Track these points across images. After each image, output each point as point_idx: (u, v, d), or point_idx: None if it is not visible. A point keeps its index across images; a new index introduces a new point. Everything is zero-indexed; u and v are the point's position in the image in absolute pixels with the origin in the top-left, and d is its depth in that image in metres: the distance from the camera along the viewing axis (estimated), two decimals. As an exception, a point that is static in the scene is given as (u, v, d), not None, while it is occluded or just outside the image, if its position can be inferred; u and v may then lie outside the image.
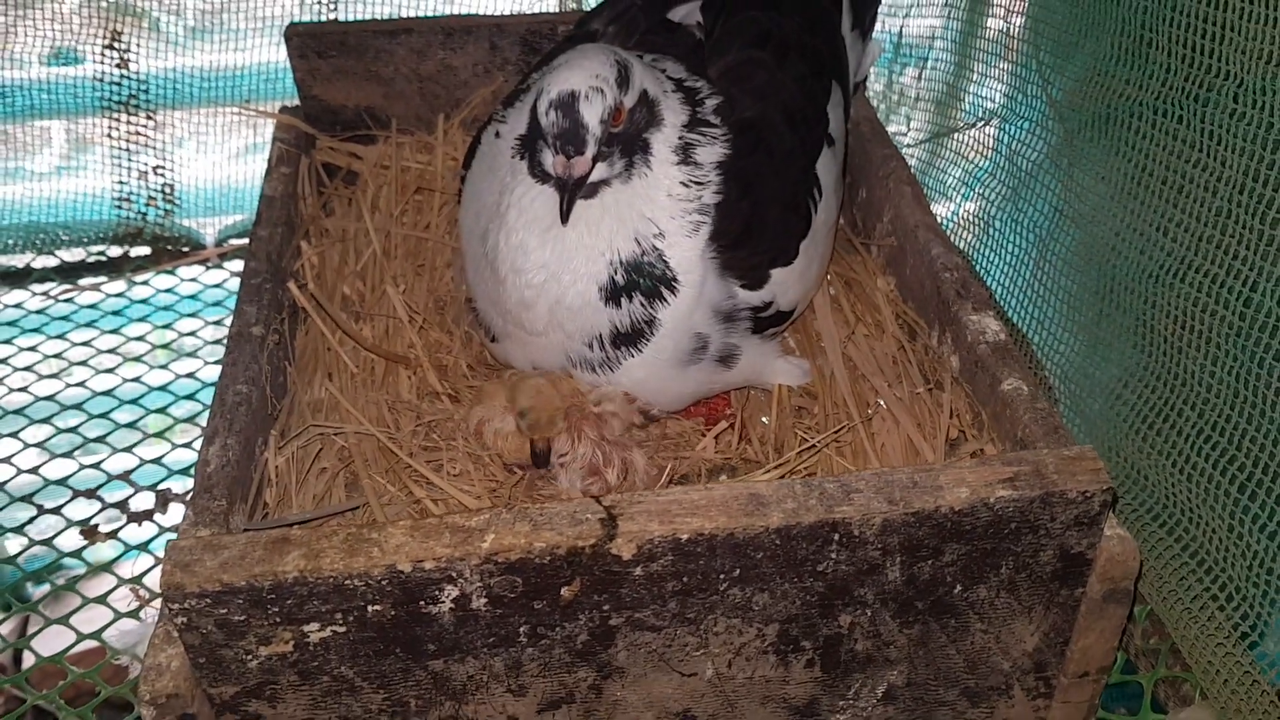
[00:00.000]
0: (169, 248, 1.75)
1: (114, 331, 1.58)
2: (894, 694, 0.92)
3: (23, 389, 1.48)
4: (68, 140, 1.76)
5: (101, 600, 1.18)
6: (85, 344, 1.55)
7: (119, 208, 1.75)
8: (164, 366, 1.50)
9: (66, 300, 1.63)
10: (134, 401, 1.44)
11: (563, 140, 0.99)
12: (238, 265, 1.66)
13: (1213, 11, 0.97)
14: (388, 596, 0.79)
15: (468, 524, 0.80)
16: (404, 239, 1.38)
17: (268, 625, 0.79)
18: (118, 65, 1.69)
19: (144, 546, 1.24)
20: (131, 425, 1.40)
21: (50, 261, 1.72)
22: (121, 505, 1.29)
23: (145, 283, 1.67)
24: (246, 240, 1.28)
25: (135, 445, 1.37)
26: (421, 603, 0.80)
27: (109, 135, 1.72)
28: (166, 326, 1.58)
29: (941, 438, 1.08)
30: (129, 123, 1.72)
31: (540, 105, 1.00)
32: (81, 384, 1.48)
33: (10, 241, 1.71)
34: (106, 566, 1.22)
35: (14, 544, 1.26)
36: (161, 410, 1.42)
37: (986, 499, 0.82)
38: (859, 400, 1.14)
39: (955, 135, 1.56)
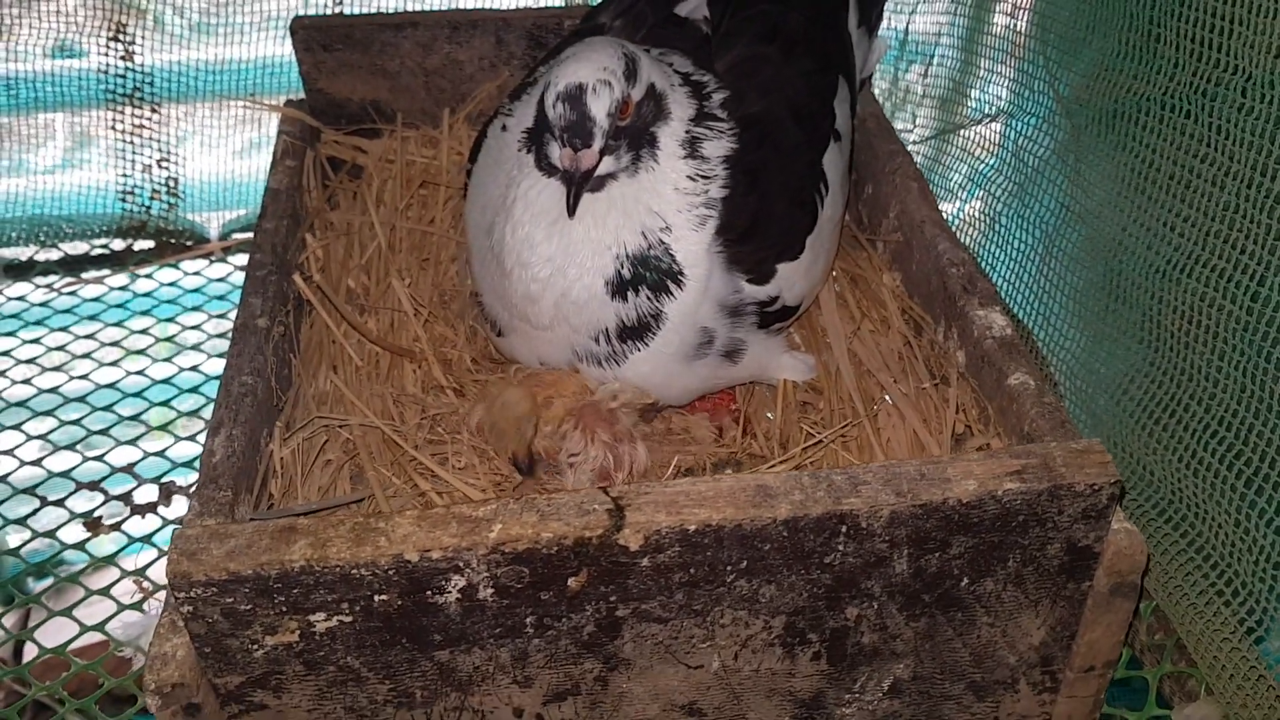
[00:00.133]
0: (172, 241, 1.75)
1: (117, 325, 1.58)
2: (900, 687, 0.92)
3: (26, 381, 1.47)
4: (72, 133, 1.76)
5: (105, 593, 1.18)
6: (88, 337, 1.55)
7: (123, 201, 1.75)
8: (167, 360, 1.50)
9: (70, 293, 1.63)
10: (137, 395, 1.44)
11: (570, 133, 0.99)
12: (241, 259, 1.66)
13: (1221, 5, 0.97)
14: (394, 586, 0.79)
15: (475, 514, 0.79)
16: (409, 233, 1.38)
17: (274, 614, 0.79)
18: (122, 58, 1.69)
19: (147, 539, 1.24)
20: (135, 419, 1.40)
21: (54, 255, 1.72)
22: (125, 498, 1.29)
23: (149, 276, 1.67)
24: (250, 234, 1.28)
25: (138, 438, 1.37)
26: (428, 593, 0.79)
27: (113, 128, 1.72)
28: (170, 320, 1.58)
29: (947, 433, 1.08)
30: (134, 116, 1.72)
31: (547, 98, 1.00)
32: (85, 377, 1.48)
33: (14, 234, 1.71)
34: (110, 559, 1.22)
35: (17, 536, 1.26)
36: (165, 404, 1.42)
37: (994, 491, 0.82)
38: (864, 396, 1.14)
39: (961, 132, 1.56)
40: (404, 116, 1.52)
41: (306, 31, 1.46)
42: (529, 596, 0.81)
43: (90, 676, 1.11)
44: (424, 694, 0.85)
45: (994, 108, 1.49)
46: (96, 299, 1.63)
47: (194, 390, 1.44)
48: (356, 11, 1.75)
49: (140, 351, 1.52)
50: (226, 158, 1.81)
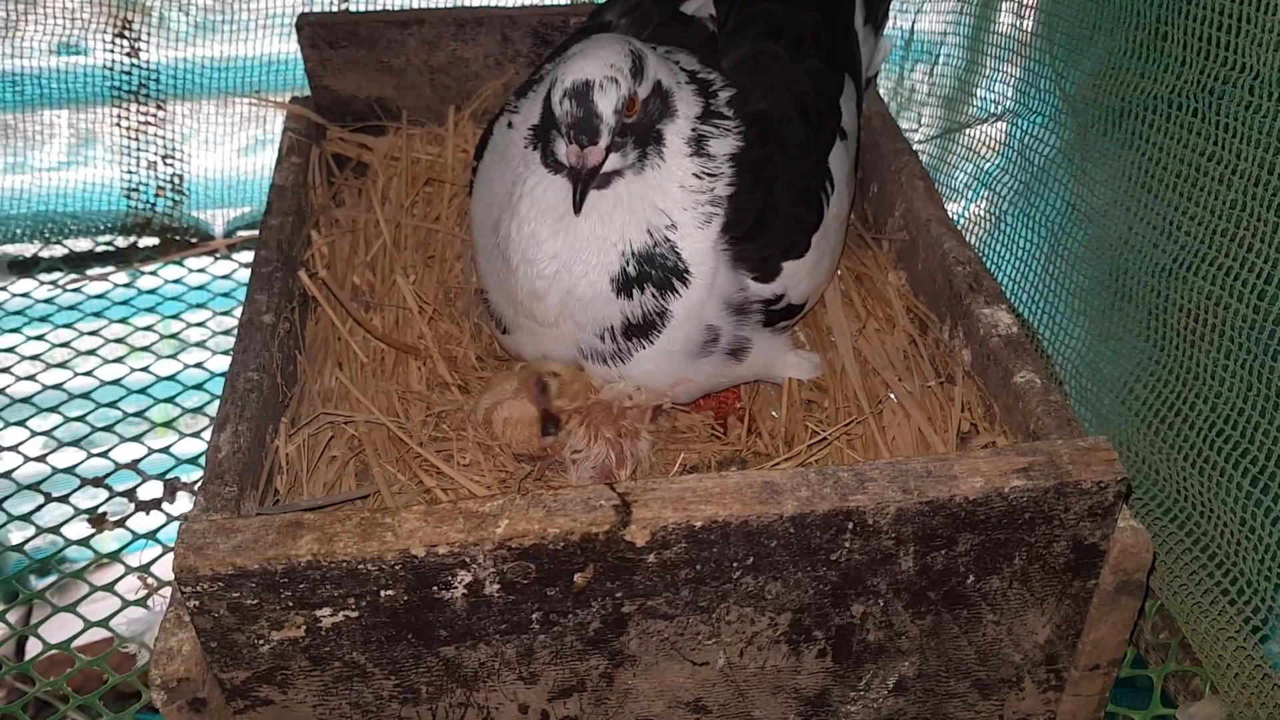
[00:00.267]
0: (177, 238, 1.74)
1: (122, 321, 1.58)
2: (905, 685, 0.92)
3: (30, 378, 1.47)
4: (76, 130, 1.76)
5: (109, 589, 1.18)
6: (93, 334, 1.55)
7: (128, 198, 1.75)
8: (172, 357, 1.50)
9: (74, 290, 1.63)
10: (141, 391, 1.44)
11: (576, 129, 0.99)
12: (246, 256, 1.66)
13: (1228, 3, 0.97)
14: (401, 582, 0.79)
15: (482, 509, 0.79)
16: (414, 230, 1.38)
17: (280, 609, 0.79)
18: (128, 54, 1.69)
19: (151, 535, 1.24)
20: (139, 415, 1.40)
21: (58, 251, 1.71)
22: (129, 494, 1.29)
23: (153, 273, 1.67)
24: (255, 231, 1.28)
25: (143, 435, 1.37)
26: (434, 588, 0.79)
27: (118, 125, 1.72)
28: (174, 317, 1.58)
29: (953, 431, 1.08)
30: (139, 113, 1.72)
31: (554, 94, 1.00)
32: (89, 374, 1.48)
33: (18, 231, 1.71)
34: (114, 555, 1.22)
35: (21, 533, 1.26)
36: (169, 400, 1.42)
37: (1001, 489, 0.82)
38: (870, 394, 1.14)
39: (967, 132, 1.56)
40: (409, 114, 1.52)
41: (312, 28, 1.46)
42: (535, 592, 0.81)
43: (94, 672, 1.11)
44: (429, 690, 0.85)
45: (1000, 106, 1.49)
46: (101, 296, 1.63)
47: (198, 387, 1.44)
48: (362, 8, 1.75)
49: (145, 348, 1.52)
50: (231, 155, 1.81)
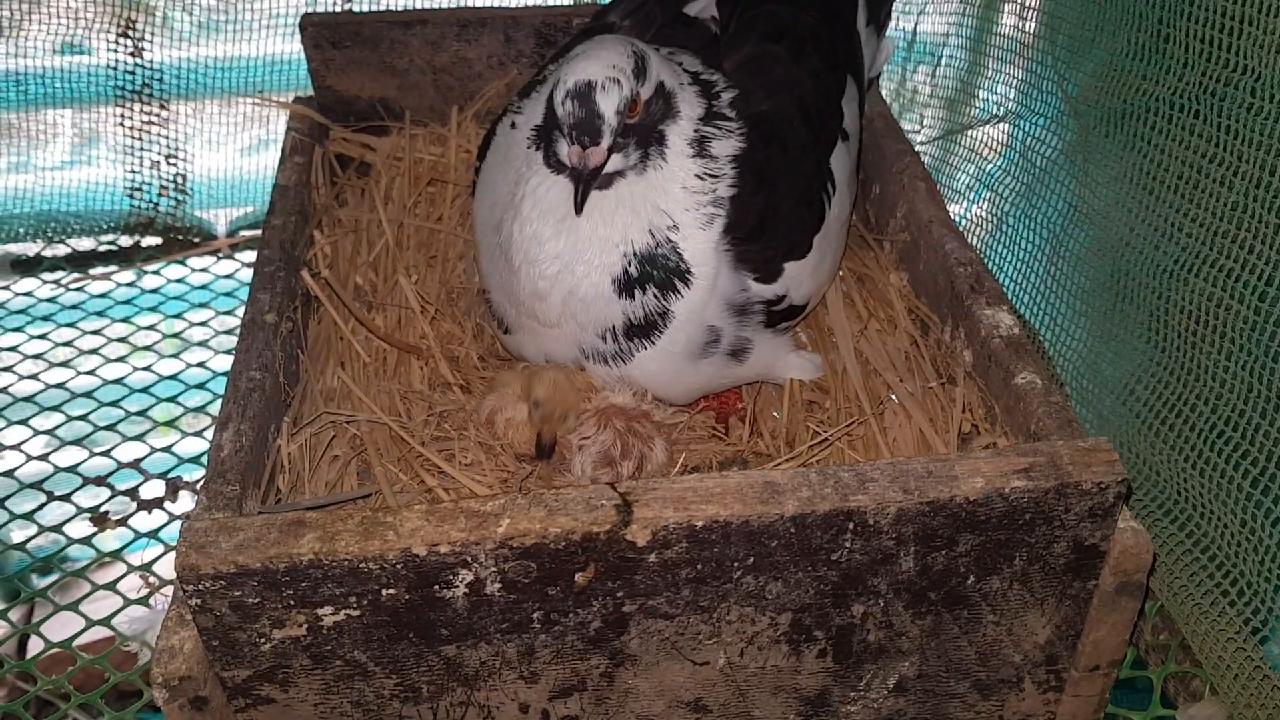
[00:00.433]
0: (180, 238, 1.75)
1: (124, 321, 1.58)
2: (905, 685, 0.92)
3: (33, 377, 1.48)
4: (80, 130, 1.76)
5: (110, 587, 1.18)
6: (95, 333, 1.55)
7: (131, 197, 1.76)
8: (174, 356, 1.50)
9: (77, 289, 1.63)
10: (144, 390, 1.44)
11: (578, 130, 0.99)
12: (249, 256, 1.66)
13: (1231, 5, 0.97)
14: (402, 580, 0.79)
15: (483, 509, 0.80)
16: (416, 230, 1.38)
17: (282, 608, 0.79)
18: (131, 54, 1.70)
19: (153, 534, 1.24)
20: (141, 414, 1.41)
21: (61, 251, 1.72)
22: (131, 493, 1.29)
23: (156, 272, 1.67)
24: (258, 231, 1.28)
25: (145, 434, 1.37)
26: (436, 587, 0.80)
27: (121, 124, 1.73)
28: (177, 316, 1.58)
29: (954, 432, 1.08)
30: (142, 112, 1.73)
31: (557, 95, 1.00)
32: (91, 373, 1.48)
33: (21, 230, 1.71)
34: (116, 554, 1.22)
35: (23, 531, 1.26)
36: (171, 399, 1.43)
37: (1001, 489, 0.82)
38: (871, 395, 1.14)
39: (969, 133, 1.56)
40: (412, 114, 1.53)
41: (316, 29, 1.47)
42: (536, 592, 0.81)
43: (96, 671, 1.11)
44: (430, 688, 0.86)
45: (1002, 108, 1.49)
46: (104, 295, 1.63)
47: (200, 386, 1.44)
48: (366, 9, 1.75)
49: (147, 347, 1.52)
50: (234, 154, 1.82)
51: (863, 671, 0.91)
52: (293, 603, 0.79)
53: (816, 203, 1.13)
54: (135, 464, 1.33)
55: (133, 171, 1.75)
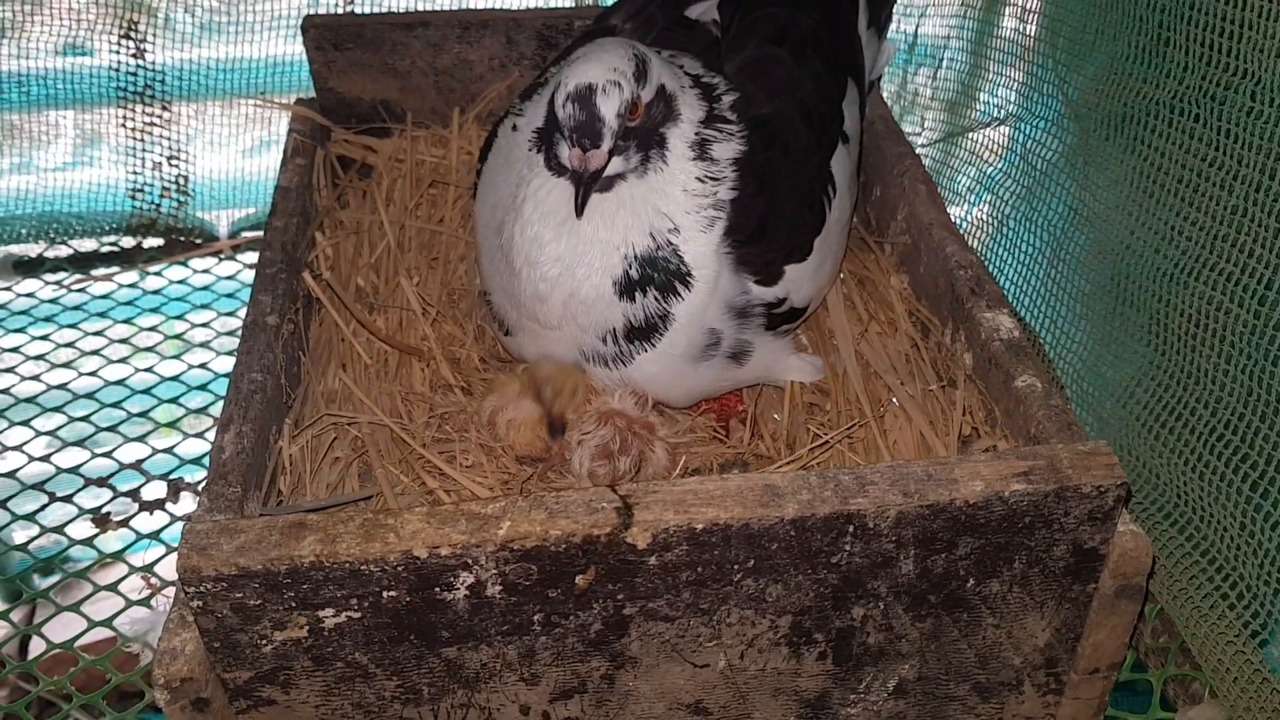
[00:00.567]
0: (182, 239, 1.75)
1: (126, 322, 1.58)
2: (905, 688, 0.92)
3: (35, 378, 1.48)
4: (82, 131, 1.76)
5: (112, 588, 1.18)
6: (97, 334, 1.56)
7: (132, 199, 1.75)
8: (176, 357, 1.51)
9: (79, 291, 1.64)
10: (145, 392, 1.45)
11: (579, 133, 0.99)
12: (250, 257, 1.66)
13: (1231, 9, 0.97)
14: (403, 583, 0.79)
15: (484, 511, 0.80)
16: (418, 232, 1.38)
17: (283, 610, 0.79)
18: (133, 55, 1.70)
19: (155, 535, 1.24)
20: (143, 415, 1.41)
21: (63, 252, 1.72)
22: (133, 494, 1.29)
23: (158, 274, 1.68)
24: (259, 232, 1.28)
25: (147, 435, 1.38)
26: (436, 589, 0.80)
27: (124, 126, 1.73)
28: (179, 318, 1.58)
29: (954, 434, 1.08)
30: (144, 114, 1.73)
31: (558, 98, 1.00)
32: (93, 374, 1.48)
33: (24, 231, 1.71)
34: (118, 555, 1.22)
35: (25, 532, 1.26)
36: (173, 400, 1.43)
37: (1001, 492, 0.82)
38: (871, 397, 1.14)
39: (970, 136, 1.56)
40: (414, 116, 1.53)
41: (317, 30, 1.47)
42: (537, 594, 0.81)
43: (97, 672, 1.11)
44: (431, 690, 0.86)
45: (1003, 111, 1.50)
46: (105, 296, 1.63)
47: (202, 388, 1.45)
48: (367, 11, 1.75)
49: (149, 349, 1.53)
50: (236, 156, 1.81)
51: (863, 674, 0.91)
52: (294, 605, 0.79)
53: (817, 205, 1.14)
54: (137, 465, 1.33)
55: (135, 173, 1.75)
